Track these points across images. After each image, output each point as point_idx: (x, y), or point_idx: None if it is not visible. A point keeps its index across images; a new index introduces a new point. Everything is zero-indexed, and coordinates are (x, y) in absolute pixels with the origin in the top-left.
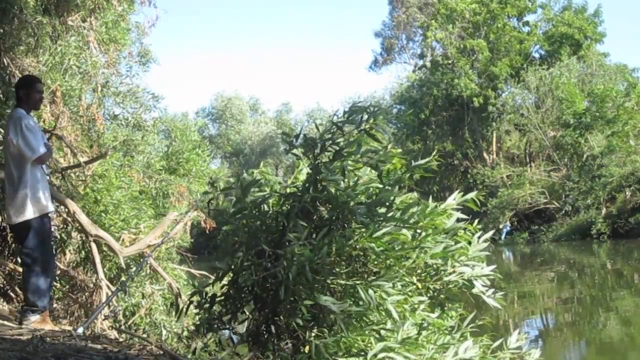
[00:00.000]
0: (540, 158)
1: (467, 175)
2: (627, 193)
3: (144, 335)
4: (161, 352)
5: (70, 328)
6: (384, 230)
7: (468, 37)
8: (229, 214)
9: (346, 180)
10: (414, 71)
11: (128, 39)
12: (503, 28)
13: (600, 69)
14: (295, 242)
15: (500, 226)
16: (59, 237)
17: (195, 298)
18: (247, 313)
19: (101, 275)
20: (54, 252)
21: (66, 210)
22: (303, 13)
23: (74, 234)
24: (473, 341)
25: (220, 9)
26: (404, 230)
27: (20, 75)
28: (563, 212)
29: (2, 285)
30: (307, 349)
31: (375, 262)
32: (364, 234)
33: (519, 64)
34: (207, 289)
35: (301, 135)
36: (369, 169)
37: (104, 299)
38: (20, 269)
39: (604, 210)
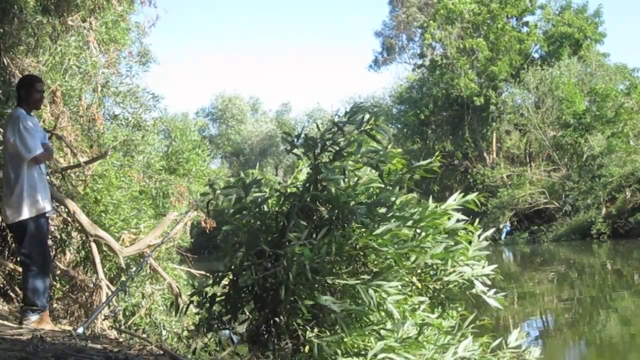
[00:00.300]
0: (540, 158)
1: (467, 175)
2: (627, 193)
3: (144, 335)
4: (161, 352)
5: (70, 328)
6: (383, 227)
7: (468, 37)
8: (228, 214)
9: (346, 180)
10: (413, 70)
11: (128, 39)
12: (503, 28)
13: (600, 69)
14: (296, 241)
15: (501, 226)
16: (59, 237)
17: (195, 298)
18: (247, 313)
19: (101, 275)
20: (53, 252)
21: (66, 210)
22: (303, 13)
23: (74, 234)
24: (473, 341)
25: (220, 9)
26: (404, 230)
27: (20, 75)
28: (563, 212)
29: (2, 285)
30: (307, 348)
31: (375, 262)
32: (364, 234)
33: (518, 63)
34: (207, 289)
35: (302, 135)
36: (369, 169)
37: (104, 299)
38: (21, 269)
39: (604, 210)
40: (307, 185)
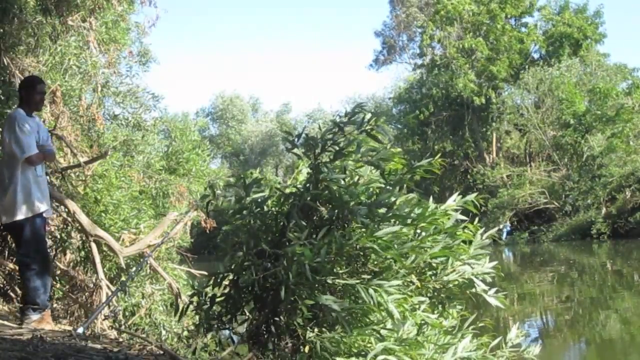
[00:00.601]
0: (540, 158)
1: (467, 176)
2: (627, 193)
3: (144, 335)
4: (161, 352)
5: (70, 328)
6: (384, 230)
7: (467, 37)
8: (229, 214)
9: (347, 179)
10: (413, 70)
11: (128, 39)
12: (502, 28)
13: (600, 68)
14: (296, 241)
15: (501, 226)
16: (59, 237)
17: (195, 299)
18: (247, 313)
19: (101, 275)
20: (53, 252)
21: (66, 210)
22: (303, 13)
23: (74, 234)
24: (472, 340)
25: (220, 9)
26: (404, 230)
27: (20, 75)
28: (563, 212)
29: (2, 285)
30: (307, 348)
31: (375, 262)
32: (365, 234)
33: (518, 63)
34: (207, 289)
35: (302, 135)
36: (369, 168)
37: (104, 299)
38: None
39: (604, 210)
40: (307, 185)
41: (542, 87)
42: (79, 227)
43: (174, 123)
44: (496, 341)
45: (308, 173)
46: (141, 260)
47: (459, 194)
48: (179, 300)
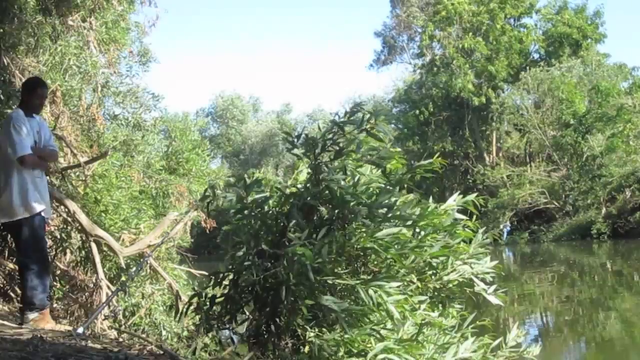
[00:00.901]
0: (540, 158)
1: (467, 176)
2: (627, 193)
3: (144, 335)
4: (161, 352)
5: (70, 328)
6: (384, 231)
7: (466, 37)
8: (229, 214)
9: (347, 179)
10: (414, 71)
11: (128, 39)
12: (502, 28)
13: (601, 68)
14: (296, 241)
15: (501, 226)
16: (59, 237)
17: (195, 299)
18: (247, 313)
19: (101, 275)
20: (53, 252)
21: (66, 210)
22: (304, 13)
23: (74, 234)
24: (473, 341)
25: (220, 9)
26: (404, 230)
27: (20, 75)
28: (563, 212)
29: (2, 285)
30: (307, 348)
31: (375, 262)
32: (365, 235)
33: (518, 63)
34: (207, 289)
35: (302, 135)
36: (369, 168)
37: (104, 299)
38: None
39: (604, 210)
40: (307, 185)
41: (542, 87)
42: (79, 227)
43: (174, 123)
44: (497, 342)
45: (308, 173)
46: (141, 260)
47: (459, 194)
48: (179, 300)
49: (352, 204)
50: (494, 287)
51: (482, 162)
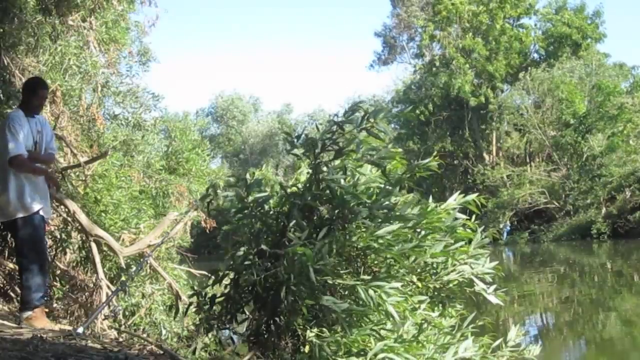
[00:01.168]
0: (540, 158)
1: (467, 176)
2: (627, 193)
3: (144, 335)
4: (161, 352)
5: (70, 328)
6: (385, 229)
7: (466, 37)
8: (230, 214)
9: (347, 179)
10: (415, 71)
11: (128, 39)
12: (501, 28)
13: (601, 69)
14: (296, 241)
15: (501, 226)
16: (59, 237)
17: (195, 299)
18: (248, 313)
19: (101, 275)
20: (53, 252)
21: (66, 210)
22: (304, 13)
23: (74, 234)
24: (473, 340)
25: (220, 9)
26: (405, 230)
27: (20, 75)
28: (563, 212)
29: (2, 285)
30: (307, 348)
31: (375, 262)
32: (365, 234)
33: (517, 63)
34: (207, 289)
35: (302, 136)
36: (369, 167)
37: (104, 299)
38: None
39: (603, 210)
40: (307, 185)
41: (542, 87)
42: (79, 227)
43: (174, 123)
44: (497, 342)
45: (308, 173)
46: (141, 260)
47: (459, 194)
48: (179, 300)
49: (352, 204)
50: (493, 287)
51: (482, 162)
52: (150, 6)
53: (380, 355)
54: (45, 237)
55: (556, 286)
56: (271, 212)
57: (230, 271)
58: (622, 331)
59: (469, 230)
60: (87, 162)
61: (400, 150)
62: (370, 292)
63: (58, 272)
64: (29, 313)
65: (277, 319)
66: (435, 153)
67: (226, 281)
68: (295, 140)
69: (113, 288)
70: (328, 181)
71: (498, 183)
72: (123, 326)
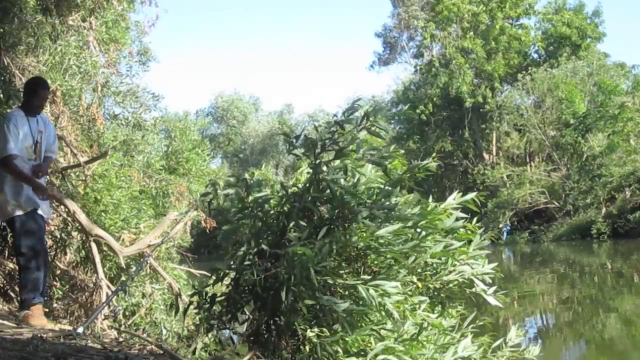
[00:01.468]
0: (540, 158)
1: (467, 176)
2: (627, 193)
3: (144, 335)
4: (161, 352)
5: (70, 328)
6: (385, 229)
7: (467, 37)
8: (229, 214)
9: (347, 179)
10: (415, 71)
11: (128, 39)
12: (500, 28)
13: (602, 69)
14: (296, 242)
15: (501, 226)
16: (59, 237)
17: (196, 299)
18: (248, 313)
19: (101, 275)
20: (53, 252)
21: (66, 210)
22: (304, 13)
23: (74, 234)
24: (473, 340)
25: (220, 9)
26: (405, 229)
27: (20, 75)
28: (563, 212)
29: (2, 285)
30: (307, 348)
31: (375, 262)
32: (365, 234)
33: (517, 62)
34: (208, 289)
35: (302, 136)
36: (370, 167)
37: (104, 299)
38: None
39: (603, 210)
40: (307, 185)
41: (542, 87)
42: (79, 227)
43: (174, 123)
44: (497, 342)
45: (308, 173)
46: (141, 260)
47: (458, 193)
48: (179, 300)
49: (352, 204)
50: (493, 288)
51: (482, 162)
52: (150, 6)
53: (381, 357)
54: (45, 236)
55: (556, 286)
56: (271, 212)
57: (231, 270)
58: (622, 331)
59: (469, 232)
60: (87, 162)
61: (402, 151)
62: (372, 291)
63: (58, 272)
64: (25, 311)
65: (277, 319)
66: (436, 154)
67: (226, 281)
68: (295, 140)
69: (113, 288)
70: (328, 181)
71: (498, 183)
72: (123, 326)
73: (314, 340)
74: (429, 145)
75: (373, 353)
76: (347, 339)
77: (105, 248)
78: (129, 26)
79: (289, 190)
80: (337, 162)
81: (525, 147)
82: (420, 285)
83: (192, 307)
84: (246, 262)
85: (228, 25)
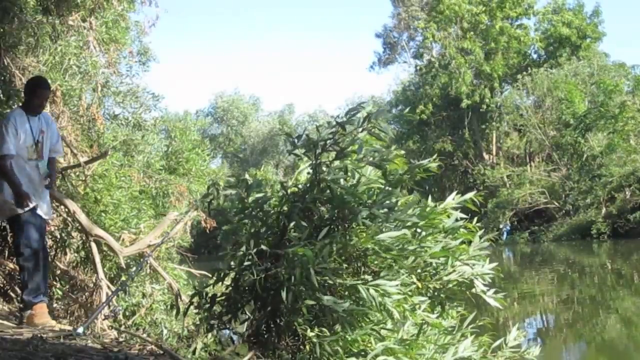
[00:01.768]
0: (540, 158)
1: (467, 176)
2: (627, 193)
3: (144, 335)
4: (161, 352)
5: (70, 328)
6: (386, 234)
7: (467, 37)
8: (229, 214)
9: (348, 179)
10: (416, 71)
11: (128, 39)
12: (500, 29)
13: (602, 69)
14: (296, 242)
15: (501, 226)
16: (59, 237)
17: (196, 299)
18: (248, 313)
19: (101, 275)
20: (53, 252)
21: (66, 210)
22: (304, 14)
23: (74, 234)
24: (473, 341)
25: (220, 8)
26: (404, 230)
27: (20, 75)
28: (563, 212)
29: (2, 285)
30: (307, 348)
31: (376, 262)
32: (366, 235)
33: (516, 62)
34: (208, 289)
35: (303, 136)
36: (370, 168)
37: (104, 299)
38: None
39: (603, 210)
40: (308, 185)
41: (542, 87)
42: (79, 227)
43: (174, 123)
44: (497, 342)
45: (308, 173)
46: (141, 260)
47: (457, 193)
48: (179, 300)
49: (352, 204)
50: (493, 290)
51: (482, 162)
52: (150, 6)
53: (381, 357)
54: (45, 236)
55: (556, 286)
56: (271, 213)
57: (231, 270)
58: (622, 331)
59: (469, 232)
60: (87, 162)
61: (403, 152)
62: (372, 291)
63: (58, 272)
64: (29, 312)
65: (277, 319)
66: (436, 155)
67: (226, 281)
68: (296, 140)
69: (113, 288)
70: (329, 181)
71: (498, 183)
72: (123, 326)
73: (314, 340)
74: (428, 146)
75: (373, 354)
76: (349, 338)
77: (105, 248)
78: (129, 26)
79: (289, 191)
80: (338, 162)
81: (525, 147)
82: (420, 285)
83: (192, 307)
84: (246, 263)
85: (228, 25)
